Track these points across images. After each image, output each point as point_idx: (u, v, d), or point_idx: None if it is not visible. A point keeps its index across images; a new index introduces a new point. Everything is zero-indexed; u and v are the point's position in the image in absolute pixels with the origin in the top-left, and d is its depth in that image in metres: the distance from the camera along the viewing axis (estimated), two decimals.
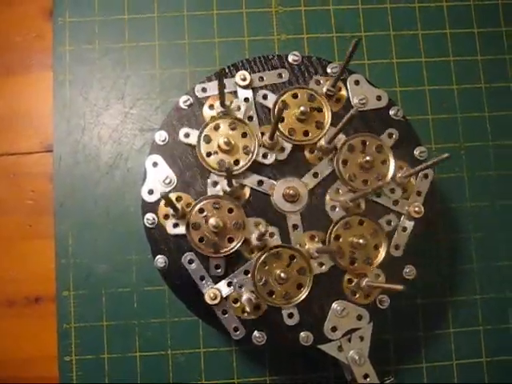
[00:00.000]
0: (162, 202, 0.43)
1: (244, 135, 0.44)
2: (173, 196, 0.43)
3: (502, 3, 0.59)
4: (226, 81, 0.45)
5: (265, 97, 0.45)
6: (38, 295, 0.53)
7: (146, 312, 0.53)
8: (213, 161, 0.43)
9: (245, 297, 0.42)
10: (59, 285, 0.53)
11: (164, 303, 0.53)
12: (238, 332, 0.42)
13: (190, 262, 0.43)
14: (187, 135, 0.44)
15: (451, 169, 0.56)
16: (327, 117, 0.45)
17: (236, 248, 0.42)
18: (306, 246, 0.43)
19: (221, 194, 0.43)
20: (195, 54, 0.56)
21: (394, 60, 0.57)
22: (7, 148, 0.55)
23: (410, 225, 0.45)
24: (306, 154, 0.45)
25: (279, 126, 0.43)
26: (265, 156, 0.44)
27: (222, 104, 0.43)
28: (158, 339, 0.52)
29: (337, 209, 0.44)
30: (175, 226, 0.43)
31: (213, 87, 0.45)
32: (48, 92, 0.55)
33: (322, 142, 0.44)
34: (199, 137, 0.44)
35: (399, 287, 0.39)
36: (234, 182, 0.42)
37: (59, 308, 0.52)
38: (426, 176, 0.45)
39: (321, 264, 0.43)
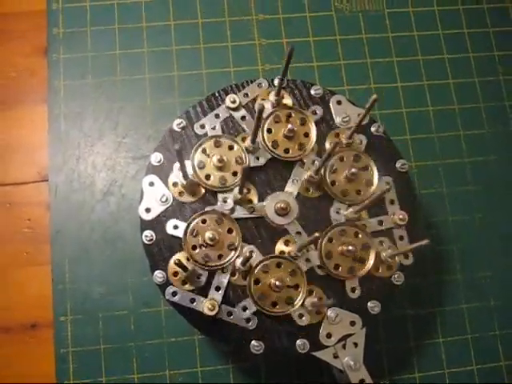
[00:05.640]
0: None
1: (234, 174, 0.46)
2: (182, 257, 0.44)
3: (468, 32, 0.63)
4: (219, 110, 0.48)
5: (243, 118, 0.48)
6: (35, 321, 0.54)
7: (143, 334, 0.53)
8: (201, 172, 0.45)
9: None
10: (56, 310, 0.53)
11: (160, 324, 0.53)
12: (250, 323, 0.44)
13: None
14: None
15: (431, 185, 0.58)
16: (310, 125, 0.48)
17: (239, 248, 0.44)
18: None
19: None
20: (184, 85, 0.59)
21: (372, 85, 0.60)
22: (3, 178, 0.57)
23: (403, 232, 0.47)
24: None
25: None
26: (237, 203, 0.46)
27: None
28: (156, 360, 0.53)
29: None
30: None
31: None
32: (43, 125, 0.57)
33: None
34: (198, 146, 0.46)
35: (424, 241, 0.40)
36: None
37: (56, 333, 0.53)
38: (387, 183, 0.47)
39: (301, 315, 0.44)
